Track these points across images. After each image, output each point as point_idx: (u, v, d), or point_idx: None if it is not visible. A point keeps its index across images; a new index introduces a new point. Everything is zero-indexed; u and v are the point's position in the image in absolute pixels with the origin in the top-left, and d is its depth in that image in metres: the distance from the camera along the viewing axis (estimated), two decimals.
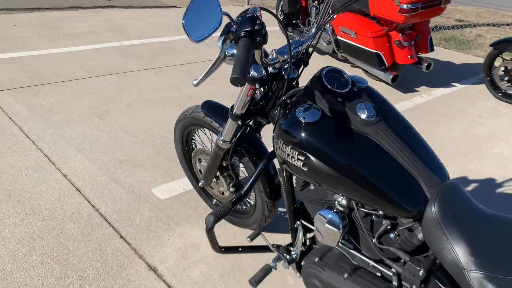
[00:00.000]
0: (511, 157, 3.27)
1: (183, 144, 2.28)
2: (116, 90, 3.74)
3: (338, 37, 4.55)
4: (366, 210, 1.38)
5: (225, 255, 2.09)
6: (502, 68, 4.31)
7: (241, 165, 2.01)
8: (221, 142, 1.80)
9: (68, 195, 2.40)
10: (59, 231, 2.13)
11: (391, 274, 1.41)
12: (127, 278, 1.91)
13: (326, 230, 1.42)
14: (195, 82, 1.60)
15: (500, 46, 4.24)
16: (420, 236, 1.30)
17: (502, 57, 4.33)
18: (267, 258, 2.07)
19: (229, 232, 2.25)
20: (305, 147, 1.33)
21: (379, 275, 1.46)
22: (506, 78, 4.27)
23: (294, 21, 5.38)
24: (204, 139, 2.39)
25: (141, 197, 2.44)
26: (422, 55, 4.41)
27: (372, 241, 1.38)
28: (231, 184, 2.03)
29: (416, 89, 4.53)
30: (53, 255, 1.99)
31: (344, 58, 4.84)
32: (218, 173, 2.01)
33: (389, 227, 1.36)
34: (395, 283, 1.41)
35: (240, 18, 1.28)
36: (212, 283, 1.93)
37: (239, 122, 1.64)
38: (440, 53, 5.85)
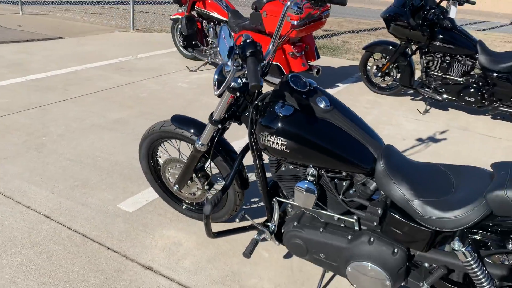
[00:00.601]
0: (397, 135, 4.10)
1: (149, 158, 2.57)
2: (42, 123, 3.78)
3: None
4: (332, 175, 1.88)
5: (206, 246, 2.43)
6: (375, 67, 5.26)
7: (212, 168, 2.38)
8: (200, 146, 2.16)
9: (40, 222, 2.51)
10: (47, 254, 2.27)
11: (353, 221, 1.92)
12: (128, 279, 2.15)
13: (304, 197, 1.88)
14: (216, 93, 1.93)
15: (370, 49, 5.18)
16: (373, 186, 1.84)
17: (373, 58, 5.29)
18: (242, 240, 2.47)
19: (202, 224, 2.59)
20: (286, 134, 1.79)
21: (343, 225, 1.96)
22: (379, 74, 5.22)
23: (193, 42, 5.80)
24: (170, 151, 2.69)
25: (111, 213, 2.65)
26: (311, 62, 5.17)
27: (339, 197, 1.88)
28: (205, 183, 2.39)
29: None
30: (51, 274, 2.14)
31: None
32: (194, 174, 2.35)
33: (349, 185, 1.88)
34: (356, 228, 1.92)
35: (242, 43, 1.68)
36: (203, 268, 2.26)
37: (219, 126, 2.03)
38: (319, 60, 6.76)
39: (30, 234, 2.42)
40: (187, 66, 5.96)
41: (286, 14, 2.03)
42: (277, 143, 1.82)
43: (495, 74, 4.40)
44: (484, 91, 4.51)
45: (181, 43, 5.83)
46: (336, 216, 1.97)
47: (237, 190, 2.32)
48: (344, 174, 1.86)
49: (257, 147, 2.00)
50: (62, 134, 3.62)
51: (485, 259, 1.71)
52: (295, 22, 4.51)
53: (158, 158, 2.63)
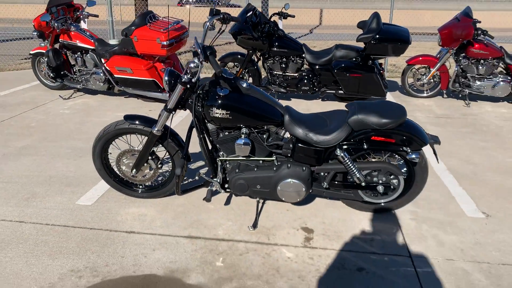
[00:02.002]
0: None
1: (102, 156, 3.19)
2: None
3: (116, 75, 5.73)
4: (257, 131, 2.89)
5: (165, 211, 3.18)
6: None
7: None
8: (156, 131, 2.94)
9: (18, 226, 2.93)
10: (43, 243, 2.76)
11: (273, 159, 2.96)
12: (121, 241, 2.80)
13: (243, 148, 2.83)
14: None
15: (223, 60, 6.34)
16: (282, 133, 2.91)
17: (227, 67, 6.47)
18: (189, 204, 3.29)
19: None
20: (227, 107, 2.73)
21: (261, 163, 2.97)
22: None
23: (62, 72, 6.16)
24: (121, 146, 3.31)
25: (75, 208, 3.18)
26: None
27: (264, 144, 2.90)
28: (159, 162, 3.15)
29: None
30: (56, 252, 2.66)
31: (120, 91, 6.03)
32: (149, 157, 3.10)
33: (268, 136, 2.92)
34: (276, 163, 2.96)
35: (204, 48, 2.56)
36: (172, 223, 3.03)
37: (173, 113, 2.86)
38: None
39: (15, 234, 2.83)
40: (60, 95, 6.28)
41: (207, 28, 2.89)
42: (222, 113, 2.75)
43: (318, 67, 5.99)
44: (313, 81, 6.06)
45: (50, 75, 6.12)
46: (261, 159, 2.98)
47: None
48: (265, 128, 2.89)
49: (199, 124, 2.89)
50: None
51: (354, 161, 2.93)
52: (165, 43, 5.39)
53: (109, 155, 3.26)
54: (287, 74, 6.17)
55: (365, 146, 2.84)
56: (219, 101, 2.75)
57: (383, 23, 5.81)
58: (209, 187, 3.03)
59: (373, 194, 3.07)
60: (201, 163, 3.97)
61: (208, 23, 2.90)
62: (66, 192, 3.43)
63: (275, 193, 2.95)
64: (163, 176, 3.44)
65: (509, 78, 6.12)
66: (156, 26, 5.54)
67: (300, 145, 2.86)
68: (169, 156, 3.17)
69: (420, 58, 6.44)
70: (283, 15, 6.51)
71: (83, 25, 6.48)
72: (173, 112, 2.89)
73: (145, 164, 3.17)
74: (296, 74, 6.14)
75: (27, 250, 2.69)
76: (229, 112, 2.75)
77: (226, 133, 2.93)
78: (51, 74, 6.11)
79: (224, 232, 2.94)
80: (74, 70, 6.34)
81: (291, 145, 2.91)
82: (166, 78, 2.84)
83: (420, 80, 6.49)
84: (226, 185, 3.07)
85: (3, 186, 3.49)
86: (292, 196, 2.94)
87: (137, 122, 3.04)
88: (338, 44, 6.01)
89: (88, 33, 6.08)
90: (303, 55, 6.06)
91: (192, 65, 2.66)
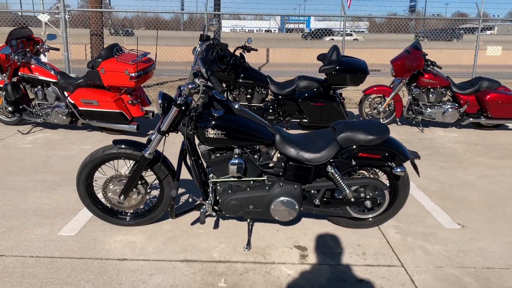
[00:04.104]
0: None
1: (87, 183, 3.10)
2: None
3: (81, 108, 5.60)
4: (249, 150, 2.95)
5: (154, 237, 3.11)
6: None
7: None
8: (148, 154, 2.92)
9: None
10: (30, 275, 2.60)
11: (264, 179, 3.02)
12: (115, 269, 2.70)
13: (237, 168, 2.87)
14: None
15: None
16: (273, 153, 3.00)
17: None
18: (177, 230, 3.25)
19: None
20: (222, 127, 2.78)
21: (252, 183, 3.02)
22: None
23: (20, 106, 5.93)
24: (107, 173, 3.22)
25: (58, 240, 3.04)
26: (146, 108, 6.07)
27: (256, 163, 2.96)
28: (148, 187, 3.11)
29: (151, 131, 6.12)
30: (48, 284, 2.51)
31: (84, 124, 5.88)
32: (139, 182, 3.05)
33: (259, 156, 2.99)
34: (267, 182, 3.02)
35: (205, 69, 2.61)
36: (164, 249, 2.96)
37: (166, 135, 2.86)
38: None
39: None
40: (18, 130, 6.02)
41: (198, 54, 2.97)
42: (216, 134, 2.79)
43: (282, 97, 6.19)
44: (278, 110, 6.25)
45: (8, 109, 5.86)
46: (251, 179, 3.02)
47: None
48: (257, 147, 2.96)
49: (191, 146, 2.92)
50: None
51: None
52: (133, 74, 5.39)
53: (93, 183, 3.17)
54: (252, 104, 6.33)
55: (353, 162, 2.98)
56: (214, 122, 2.79)
57: (342, 56, 6.16)
58: (201, 210, 3.02)
59: (360, 209, 3.19)
60: (185, 187, 3.94)
61: (198, 49, 2.98)
62: (45, 224, 3.27)
63: (268, 212, 2.99)
64: (150, 201, 3.38)
65: (456, 105, 6.64)
66: (123, 58, 5.53)
67: (291, 163, 2.95)
68: (157, 180, 3.14)
69: (375, 88, 6.85)
70: (246, 49, 6.74)
71: (43, 58, 6.32)
72: (167, 135, 2.90)
73: (134, 190, 3.11)
74: (261, 104, 6.31)
75: (15, 283, 2.53)
76: (224, 132, 2.80)
77: (218, 154, 2.96)
78: (9, 109, 5.86)
79: (219, 254, 2.92)
80: (34, 104, 6.14)
81: (282, 164, 2.99)
82: (160, 101, 2.85)
83: (376, 108, 6.87)
84: (216, 207, 3.07)
85: None
86: (285, 214, 2.99)
87: (126, 146, 3.00)
88: (300, 75, 6.27)
89: (49, 66, 5.95)
90: (268, 86, 6.26)
91: (191, 86, 2.70)
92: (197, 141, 2.99)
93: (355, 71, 5.93)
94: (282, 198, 2.94)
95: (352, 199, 3.06)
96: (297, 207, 2.97)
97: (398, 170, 2.95)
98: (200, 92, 2.70)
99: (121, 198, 3.08)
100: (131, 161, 3.14)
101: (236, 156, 2.91)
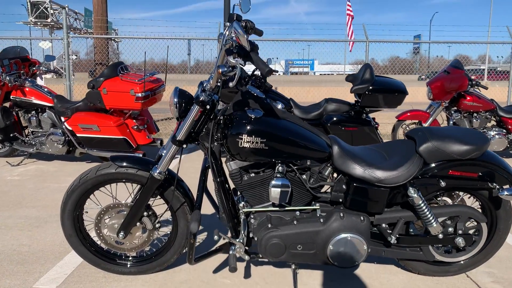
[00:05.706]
0: None
1: (74, 216, 2.28)
2: None
3: (79, 135, 4.84)
4: (297, 167, 2.13)
5: (161, 284, 2.26)
6: None
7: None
8: (157, 174, 2.11)
9: None
10: None
11: (317, 207, 2.18)
12: None
13: (281, 192, 2.05)
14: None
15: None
16: (328, 171, 2.18)
17: None
18: (190, 281, 2.40)
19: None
20: (261, 133, 1.99)
21: (300, 214, 2.19)
22: None
23: (11, 135, 5.20)
24: (99, 202, 2.41)
25: None
26: (153, 135, 5.31)
27: (307, 185, 2.14)
28: (156, 221, 2.27)
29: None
30: None
31: (83, 154, 5.11)
32: (145, 213, 2.22)
33: (311, 175, 2.17)
34: (321, 213, 2.19)
35: (238, 45, 1.85)
36: None
37: (184, 146, 2.07)
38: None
39: None
40: (7, 161, 5.24)
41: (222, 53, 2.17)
42: (254, 142, 1.99)
43: (307, 121, 5.43)
44: None
45: None
46: (298, 209, 2.19)
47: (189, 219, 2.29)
48: (308, 163, 2.14)
49: (216, 163, 2.12)
50: None
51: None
52: (140, 95, 4.67)
53: (84, 214, 2.35)
54: None
55: (442, 183, 2.15)
56: (251, 126, 2.00)
57: (376, 75, 5.45)
58: (230, 252, 2.17)
59: (447, 250, 2.33)
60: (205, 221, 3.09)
61: (226, 31, 2.21)
62: (18, 273, 2.42)
63: (324, 254, 2.14)
64: (159, 241, 2.53)
65: (504, 131, 5.84)
66: (128, 77, 4.82)
67: (357, 185, 2.12)
68: (169, 211, 2.32)
69: (410, 114, 6.11)
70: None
71: (40, 81, 5.64)
72: (184, 146, 2.10)
73: (138, 224, 2.28)
74: None
75: None
76: (264, 140, 2.00)
77: (253, 174, 2.15)
78: None
79: None
80: (27, 132, 5.41)
81: (343, 186, 2.16)
82: (176, 99, 2.08)
83: None
84: (249, 248, 2.23)
85: None
86: (348, 258, 2.14)
87: (128, 164, 2.20)
88: (328, 98, 5.54)
89: (45, 89, 5.25)
90: (291, 110, 5.51)
91: (221, 69, 1.87)
92: (223, 158, 2.20)
93: (392, 91, 5.19)
94: (344, 235, 2.10)
95: (440, 236, 2.21)
96: (365, 247, 2.12)
97: (506, 193, 2.11)
98: (236, 77, 1.90)
99: (121, 236, 2.24)
100: (134, 185, 2.33)
101: (279, 176, 2.10)
